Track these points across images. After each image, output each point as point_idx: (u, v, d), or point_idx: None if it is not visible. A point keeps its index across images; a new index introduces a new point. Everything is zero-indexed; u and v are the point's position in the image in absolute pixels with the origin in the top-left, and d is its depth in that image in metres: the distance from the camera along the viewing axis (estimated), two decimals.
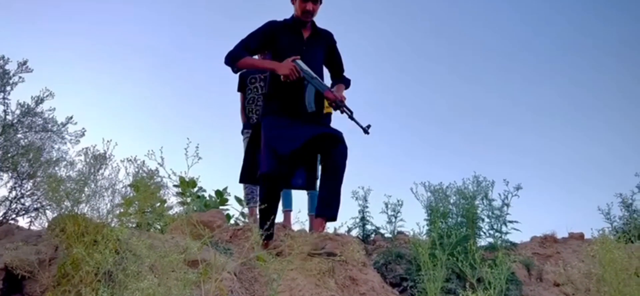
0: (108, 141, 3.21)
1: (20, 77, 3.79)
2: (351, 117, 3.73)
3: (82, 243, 2.73)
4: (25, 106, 3.79)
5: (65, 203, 3.01)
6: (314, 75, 3.80)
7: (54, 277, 2.80)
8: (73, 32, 11.10)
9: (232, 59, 3.83)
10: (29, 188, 3.72)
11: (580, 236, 5.98)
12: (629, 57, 12.79)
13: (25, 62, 3.79)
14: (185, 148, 2.67)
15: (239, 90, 5.56)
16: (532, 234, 6.09)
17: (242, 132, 5.47)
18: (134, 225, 3.17)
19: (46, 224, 3.45)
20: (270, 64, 3.88)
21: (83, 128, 3.93)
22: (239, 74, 5.27)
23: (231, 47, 3.87)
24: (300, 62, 3.77)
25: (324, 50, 4.07)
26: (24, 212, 3.72)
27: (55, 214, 3.14)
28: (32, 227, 3.66)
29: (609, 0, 13.00)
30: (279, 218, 5.22)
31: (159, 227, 3.81)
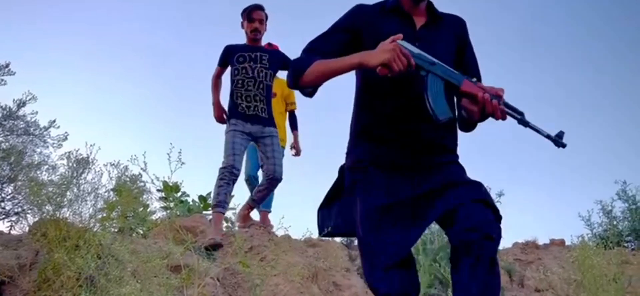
0: (91, 145, 3.19)
1: (2, 80, 3.76)
2: (524, 123, 2.00)
3: (64, 247, 2.71)
4: (7, 109, 3.76)
5: (46, 207, 2.99)
6: (434, 59, 2.03)
7: (35, 282, 2.77)
8: (56, 33, 11.01)
9: (296, 77, 2.09)
10: (9, 192, 3.68)
11: (561, 242, 6.06)
12: (611, 65, 13.01)
13: (7, 65, 3.75)
14: (168, 153, 2.66)
15: (220, 64, 4.50)
16: (514, 240, 6.17)
17: (228, 123, 4.31)
18: (116, 230, 3.15)
19: (27, 228, 3.42)
20: (352, 58, 1.99)
21: (66, 132, 3.90)
22: (226, 48, 4.48)
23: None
24: (406, 43, 1.99)
25: (450, 43, 2.28)
26: (4, 216, 3.68)
27: (37, 218, 3.12)
28: (12, 232, 3.62)
29: (595, 7, 13.23)
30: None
31: (142, 232, 3.79)
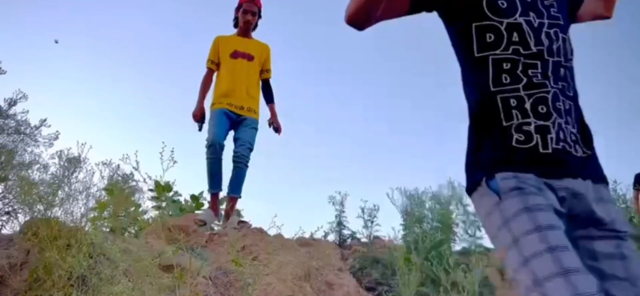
0: (82, 144, 3.19)
1: None
2: None
3: (55, 247, 2.70)
4: None
5: (38, 206, 2.97)
6: None
7: (26, 282, 2.75)
8: (48, 31, 10.94)
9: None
10: (0, 191, 3.66)
11: None
12: (603, 66, 13.09)
13: None
14: (161, 152, 2.66)
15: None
16: None
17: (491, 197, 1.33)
18: (108, 229, 3.14)
19: (18, 228, 3.41)
20: None
21: (57, 131, 3.89)
22: None
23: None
24: None
25: None
26: None
27: (28, 218, 3.10)
28: (3, 231, 3.61)
29: None
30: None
31: (134, 231, 3.78)
